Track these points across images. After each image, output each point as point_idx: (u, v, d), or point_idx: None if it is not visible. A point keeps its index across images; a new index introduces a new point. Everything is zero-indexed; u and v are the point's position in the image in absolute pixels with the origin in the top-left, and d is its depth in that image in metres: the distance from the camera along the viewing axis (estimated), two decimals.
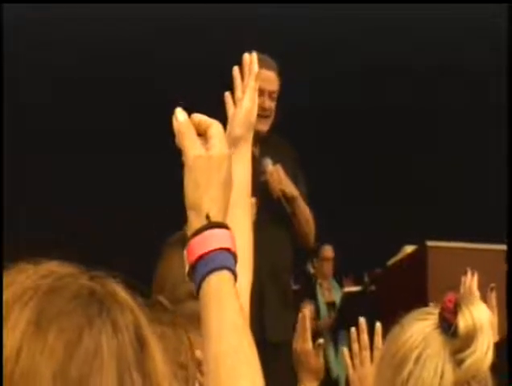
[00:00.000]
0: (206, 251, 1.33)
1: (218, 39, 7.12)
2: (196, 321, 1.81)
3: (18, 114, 7.09)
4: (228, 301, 1.30)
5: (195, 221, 1.36)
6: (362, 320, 2.43)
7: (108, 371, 0.86)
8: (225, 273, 1.32)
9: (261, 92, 4.01)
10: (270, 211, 3.93)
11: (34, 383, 0.83)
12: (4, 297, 0.88)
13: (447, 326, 1.69)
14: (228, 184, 1.40)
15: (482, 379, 1.68)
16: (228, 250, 1.34)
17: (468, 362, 1.65)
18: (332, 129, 8.11)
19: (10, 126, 6.63)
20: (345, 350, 2.44)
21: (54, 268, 0.93)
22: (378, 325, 2.38)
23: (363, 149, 8.41)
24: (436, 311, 1.74)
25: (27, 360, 0.84)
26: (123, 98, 7.69)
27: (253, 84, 1.73)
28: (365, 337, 2.41)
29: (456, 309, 1.68)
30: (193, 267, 1.34)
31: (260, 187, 3.84)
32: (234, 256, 1.35)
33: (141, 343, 0.90)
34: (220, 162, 1.38)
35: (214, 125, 1.42)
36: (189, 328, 1.68)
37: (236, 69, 1.76)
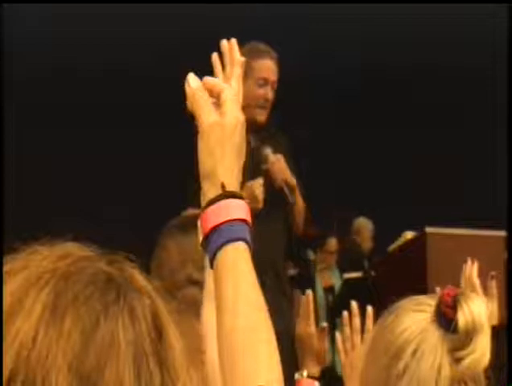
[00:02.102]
0: (222, 221, 1.30)
1: (217, 39, 7.10)
2: (194, 307, 1.82)
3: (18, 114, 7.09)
4: (244, 274, 1.27)
5: (209, 190, 1.33)
6: (354, 304, 2.41)
7: (124, 361, 0.84)
8: (241, 245, 1.29)
9: (265, 82, 3.99)
10: (266, 199, 3.90)
11: (49, 370, 0.81)
12: (18, 279, 0.85)
13: (444, 321, 1.62)
14: (241, 151, 1.37)
15: (478, 380, 1.63)
16: (244, 221, 1.31)
17: (467, 361, 1.59)
18: (333, 123, 8.13)
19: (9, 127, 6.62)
20: (337, 335, 2.41)
21: (70, 250, 0.90)
22: (370, 308, 2.36)
23: (363, 139, 8.42)
24: (431, 302, 1.67)
25: (43, 347, 0.82)
26: (122, 98, 7.68)
27: (239, 71, 1.53)
28: (356, 321, 2.38)
29: (455, 304, 1.62)
30: (207, 237, 1.30)
31: (256, 175, 3.82)
32: (250, 227, 1.32)
33: (159, 332, 0.87)
34: (233, 128, 1.35)
35: (227, 90, 1.40)
36: (188, 314, 1.68)
37: (215, 56, 1.56)
